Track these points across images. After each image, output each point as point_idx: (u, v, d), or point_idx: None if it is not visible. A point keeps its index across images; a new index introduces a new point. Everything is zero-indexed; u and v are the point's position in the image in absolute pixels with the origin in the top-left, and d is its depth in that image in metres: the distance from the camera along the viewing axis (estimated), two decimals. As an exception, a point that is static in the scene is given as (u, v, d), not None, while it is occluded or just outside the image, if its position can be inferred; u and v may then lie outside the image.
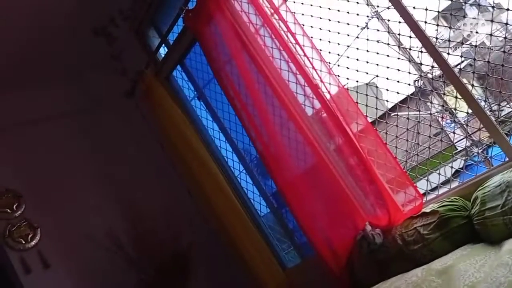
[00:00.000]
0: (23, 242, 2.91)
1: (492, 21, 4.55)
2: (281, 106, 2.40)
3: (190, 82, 3.21)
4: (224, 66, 2.59)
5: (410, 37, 2.16)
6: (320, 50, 2.36)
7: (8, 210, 2.95)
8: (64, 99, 3.51)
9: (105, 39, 3.07)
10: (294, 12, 2.42)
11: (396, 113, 4.18)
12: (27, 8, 2.36)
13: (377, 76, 2.65)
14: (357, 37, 2.91)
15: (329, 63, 2.32)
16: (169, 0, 3.08)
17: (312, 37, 2.34)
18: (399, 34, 2.66)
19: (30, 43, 2.74)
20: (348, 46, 2.72)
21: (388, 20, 2.37)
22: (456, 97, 2.09)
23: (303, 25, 2.36)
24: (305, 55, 2.28)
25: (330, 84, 2.26)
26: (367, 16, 5.23)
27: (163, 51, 3.25)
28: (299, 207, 2.44)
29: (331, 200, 2.33)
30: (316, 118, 2.44)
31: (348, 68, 2.50)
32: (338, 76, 2.30)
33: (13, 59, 2.70)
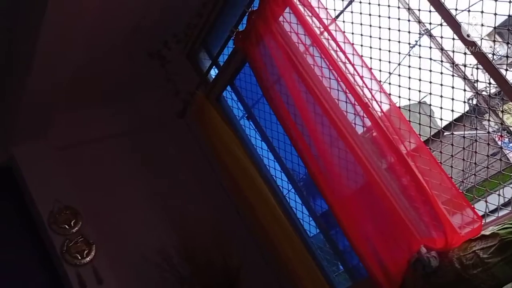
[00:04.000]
0: (79, 257, 3.02)
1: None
2: (331, 124, 2.38)
3: (239, 102, 3.26)
4: (273, 86, 2.61)
5: (465, 53, 2.10)
6: (371, 68, 2.34)
7: (66, 226, 3.08)
8: (119, 119, 3.65)
9: (159, 62, 3.19)
10: (344, 31, 2.42)
11: (451, 132, 4.04)
12: (88, 28, 2.47)
13: (430, 94, 2.58)
14: (409, 55, 2.86)
15: (380, 81, 2.29)
16: (220, 23, 3.17)
17: (362, 56, 2.32)
18: (453, 51, 2.60)
19: (91, 62, 2.88)
20: (399, 64, 2.68)
21: (441, 37, 2.30)
22: None
23: (353, 44, 2.36)
24: (356, 73, 2.27)
25: (381, 102, 2.23)
26: (419, 34, 5.14)
27: (213, 72, 3.33)
28: (350, 228, 2.39)
29: (384, 221, 2.27)
30: (367, 137, 2.41)
31: (399, 86, 2.45)
32: (390, 94, 2.26)
33: (74, 79, 2.85)
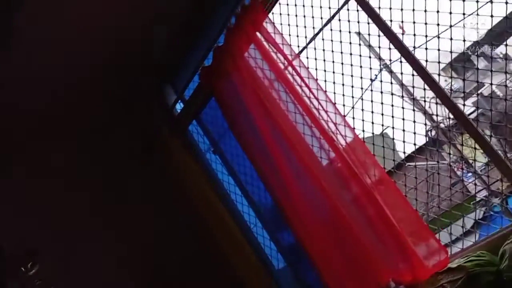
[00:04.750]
0: (37, 300, 2.86)
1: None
2: (297, 158, 2.40)
3: (205, 136, 3.25)
4: (239, 120, 2.62)
5: (424, 89, 2.17)
6: (335, 103, 2.38)
7: (23, 269, 2.92)
8: (80, 155, 3.55)
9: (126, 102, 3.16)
10: (308, 67, 2.47)
11: (413, 164, 4.13)
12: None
13: (392, 127, 2.64)
14: (371, 90, 2.94)
15: (344, 115, 2.34)
16: (186, 58, 3.18)
17: (326, 91, 2.37)
18: (413, 87, 2.69)
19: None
20: (361, 99, 2.74)
21: (401, 73, 2.39)
22: (475, 148, 2.07)
23: (317, 79, 2.41)
24: (320, 107, 2.30)
25: (345, 136, 2.27)
26: (379, 69, 5.33)
27: (179, 106, 3.31)
28: (318, 261, 2.38)
29: (352, 254, 2.26)
30: (332, 169, 2.43)
31: (363, 120, 2.51)
32: (354, 128, 2.30)
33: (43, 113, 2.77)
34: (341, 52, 2.52)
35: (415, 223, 2.09)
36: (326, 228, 2.39)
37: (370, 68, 2.59)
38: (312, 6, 2.52)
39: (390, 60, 2.43)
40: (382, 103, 2.57)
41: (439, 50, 2.23)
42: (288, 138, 2.42)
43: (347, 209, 2.26)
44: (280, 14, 2.59)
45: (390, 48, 2.22)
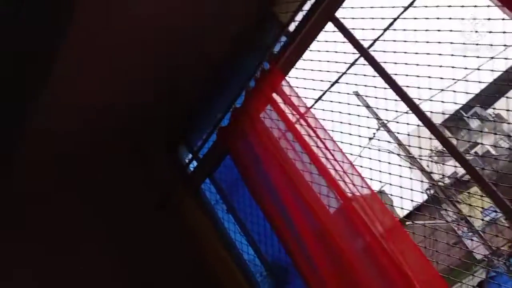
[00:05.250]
0: None
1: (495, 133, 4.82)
2: (314, 217, 2.51)
3: (218, 195, 3.37)
4: (256, 179, 2.74)
5: (420, 147, 2.31)
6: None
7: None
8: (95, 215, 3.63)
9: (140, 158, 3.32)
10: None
11: (411, 221, 4.23)
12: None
13: (390, 184, 2.75)
14: (369, 148, 3.11)
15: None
16: (199, 118, 3.37)
17: (335, 141, 2.51)
18: (409, 146, 2.86)
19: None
20: (360, 156, 2.89)
21: (398, 133, 2.57)
22: (478, 206, 2.16)
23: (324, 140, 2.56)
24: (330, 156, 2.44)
25: (356, 185, 2.38)
26: (377, 129, 5.59)
27: (192, 164, 3.46)
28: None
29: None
30: (343, 217, 2.54)
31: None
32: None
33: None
34: (340, 112, 2.69)
35: (428, 272, 2.17)
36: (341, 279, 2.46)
37: (368, 127, 2.76)
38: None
39: (387, 120, 2.62)
40: (380, 161, 2.71)
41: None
42: (304, 197, 2.55)
43: (360, 259, 2.35)
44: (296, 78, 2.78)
45: (387, 110, 2.40)
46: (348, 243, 2.42)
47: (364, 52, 2.33)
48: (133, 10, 2.33)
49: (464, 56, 2.17)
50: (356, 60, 2.50)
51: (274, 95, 2.58)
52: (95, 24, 2.26)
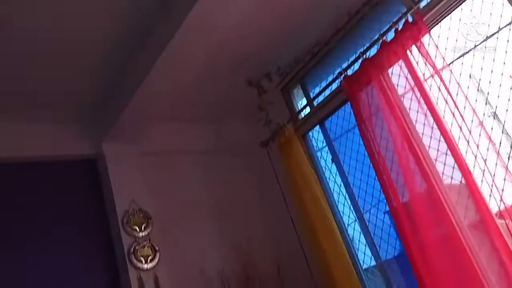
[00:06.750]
0: (143, 262, 3.05)
1: None
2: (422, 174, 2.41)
3: (326, 144, 3.30)
4: (373, 130, 2.66)
5: None
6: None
7: (137, 229, 3.13)
8: (203, 137, 3.77)
9: (257, 91, 3.31)
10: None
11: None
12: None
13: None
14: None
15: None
16: (322, 64, 3.26)
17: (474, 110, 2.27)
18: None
19: (197, 81, 3.01)
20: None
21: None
22: None
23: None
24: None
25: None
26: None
27: (305, 109, 3.40)
28: (426, 276, 2.35)
29: (461, 278, 2.24)
30: (455, 188, 2.40)
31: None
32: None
33: (179, 93, 3.00)
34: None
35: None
36: (440, 243, 2.34)
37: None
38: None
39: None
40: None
41: None
42: (420, 161, 2.42)
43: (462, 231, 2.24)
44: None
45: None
46: (460, 218, 2.31)
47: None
48: None
49: None
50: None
51: (413, 48, 2.39)
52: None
